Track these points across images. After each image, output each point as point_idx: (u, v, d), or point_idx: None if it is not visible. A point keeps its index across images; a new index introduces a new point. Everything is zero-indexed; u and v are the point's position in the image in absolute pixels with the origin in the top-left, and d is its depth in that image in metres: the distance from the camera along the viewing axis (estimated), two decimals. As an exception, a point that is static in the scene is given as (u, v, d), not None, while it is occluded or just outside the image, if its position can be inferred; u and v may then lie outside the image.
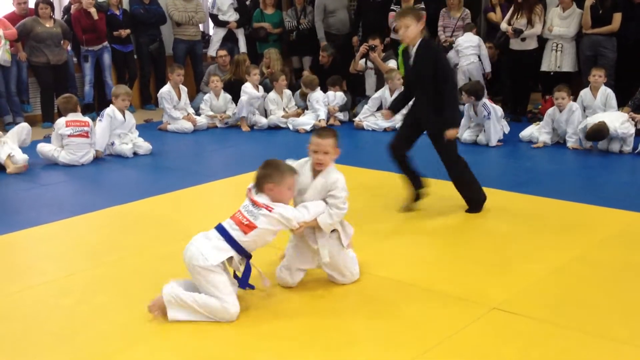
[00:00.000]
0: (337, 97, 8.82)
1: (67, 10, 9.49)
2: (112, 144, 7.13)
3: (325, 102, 8.60)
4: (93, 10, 9.09)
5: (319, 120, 8.29)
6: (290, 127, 8.46)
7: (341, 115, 8.86)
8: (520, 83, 8.67)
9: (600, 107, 7.18)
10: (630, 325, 3.24)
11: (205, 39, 10.73)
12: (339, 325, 3.31)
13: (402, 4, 9.26)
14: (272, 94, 8.73)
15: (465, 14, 9.19)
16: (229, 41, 10.19)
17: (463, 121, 7.54)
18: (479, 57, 8.94)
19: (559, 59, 8.35)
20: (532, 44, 8.43)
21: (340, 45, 9.74)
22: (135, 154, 7.16)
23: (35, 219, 5.04)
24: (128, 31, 9.60)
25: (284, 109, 8.73)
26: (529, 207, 5.16)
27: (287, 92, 8.83)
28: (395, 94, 8.41)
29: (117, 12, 9.59)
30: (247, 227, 3.35)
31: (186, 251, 3.38)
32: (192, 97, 9.35)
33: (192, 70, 10.28)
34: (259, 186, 3.46)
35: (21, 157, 6.51)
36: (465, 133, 7.51)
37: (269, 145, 7.79)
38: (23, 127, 6.93)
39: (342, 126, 8.67)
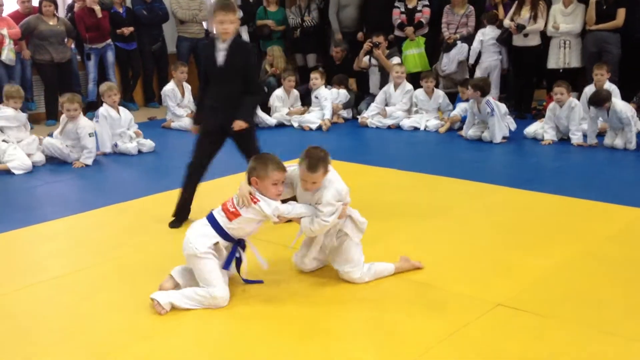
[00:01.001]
0: (340, 94, 8.81)
1: (70, 8, 9.49)
2: (116, 145, 7.13)
3: (332, 99, 8.59)
4: (97, 9, 9.10)
5: (324, 120, 8.27)
6: (295, 124, 8.46)
7: (345, 113, 8.85)
8: (524, 79, 8.64)
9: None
10: (636, 320, 3.23)
11: (209, 36, 10.72)
12: (342, 321, 3.31)
13: (406, 1, 9.26)
14: (279, 91, 8.73)
15: (470, 11, 9.15)
16: (233, 39, 10.16)
17: (467, 117, 7.53)
18: (500, 52, 8.84)
19: (567, 56, 8.31)
20: (535, 40, 8.40)
21: (350, 41, 9.73)
22: (139, 151, 7.16)
23: (40, 216, 5.05)
24: (131, 29, 9.61)
25: (289, 107, 8.72)
26: (533, 203, 5.15)
27: (295, 91, 8.82)
28: (400, 89, 8.42)
29: (120, 10, 9.60)
30: (232, 215, 3.47)
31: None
32: (195, 95, 9.34)
33: (196, 68, 10.28)
34: (248, 178, 3.54)
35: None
36: (470, 130, 7.49)
37: (273, 143, 7.77)
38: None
39: (346, 123, 8.67)
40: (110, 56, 9.49)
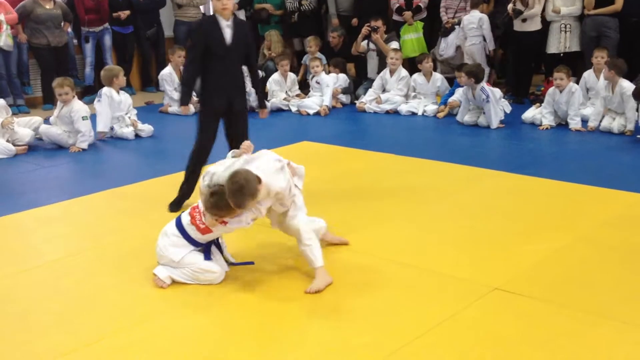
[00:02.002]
0: (339, 79, 8.78)
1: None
2: (112, 128, 7.11)
3: (334, 85, 8.56)
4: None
5: (323, 108, 8.24)
6: (293, 109, 8.43)
7: (344, 98, 8.83)
8: (522, 64, 8.61)
9: (603, 89, 7.13)
10: (633, 305, 3.24)
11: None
12: (339, 306, 3.31)
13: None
14: (276, 76, 8.69)
15: (468, -5, 9.10)
16: (231, 23, 10.10)
17: (463, 103, 7.52)
18: (483, 37, 8.81)
19: (568, 40, 8.27)
20: (534, 26, 8.35)
21: (347, 25, 9.67)
22: (137, 136, 7.14)
23: (36, 200, 5.04)
24: (127, 12, 9.55)
25: (286, 92, 8.70)
26: (531, 188, 5.14)
27: (292, 75, 8.78)
28: (396, 76, 8.39)
29: (118, -7, 9.53)
30: (204, 230, 3.49)
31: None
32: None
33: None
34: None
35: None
36: (465, 115, 7.48)
37: (270, 127, 7.77)
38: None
39: (344, 108, 8.65)
40: (108, 40, 9.44)
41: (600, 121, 7.02)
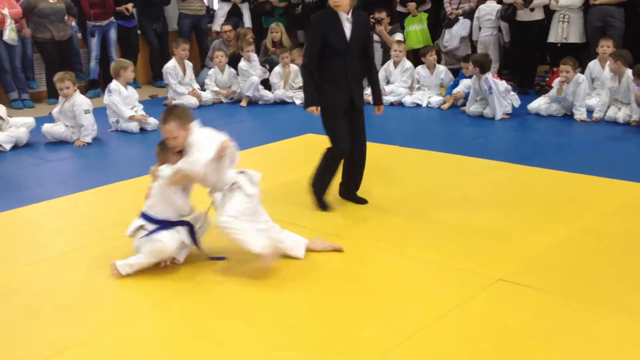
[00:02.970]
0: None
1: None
2: (117, 122, 7.12)
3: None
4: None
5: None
6: (297, 101, 8.43)
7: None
8: (527, 55, 8.58)
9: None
10: (637, 295, 3.24)
11: (210, 13, 10.66)
12: (345, 297, 3.32)
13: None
14: (278, 68, 8.68)
15: (472, -15, 9.07)
16: (234, 16, 10.11)
17: (471, 94, 7.50)
18: (499, 28, 8.78)
19: (565, 30, 8.24)
20: (538, 15, 8.33)
21: None
22: (142, 129, 7.15)
23: (42, 194, 5.06)
24: (131, 5, 9.53)
25: (289, 84, 8.68)
26: (535, 179, 5.13)
27: (294, 66, 8.77)
28: (400, 67, 8.37)
29: (122, -12, 9.52)
30: (148, 194, 3.71)
31: None
32: (197, 73, 9.31)
33: (197, 46, 10.23)
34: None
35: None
36: (472, 106, 7.46)
37: (274, 120, 7.77)
38: None
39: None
40: (113, 34, 9.44)
41: (606, 111, 6.99)
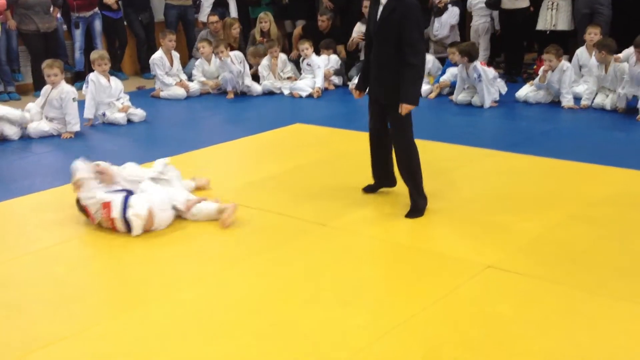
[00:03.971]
0: (331, 60, 8.73)
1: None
2: (104, 114, 7.07)
3: (325, 66, 8.50)
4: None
5: (316, 90, 8.18)
6: (286, 91, 8.39)
7: (336, 80, 8.78)
8: (513, 43, 8.58)
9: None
10: (627, 281, 3.25)
11: (197, 3, 10.57)
12: (335, 285, 3.31)
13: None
14: (266, 60, 8.62)
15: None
16: (220, 6, 10.04)
17: (458, 82, 7.49)
18: (491, 15, 8.79)
19: (554, 18, 8.24)
20: (523, 3, 8.32)
21: (341, 7, 9.57)
22: (129, 121, 7.11)
23: (29, 187, 5.02)
24: (115, -1, 9.46)
25: (278, 74, 8.64)
26: (524, 166, 5.14)
27: (282, 56, 8.73)
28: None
29: (107, -23, 9.43)
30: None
31: None
32: (184, 64, 9.26)
33: (184, 36, 10.16)
34: None
35: None
36: (459, 95, 7.46)
37: (262, 110, 7.74)
38: None
39: (336, 90, 8.60)
40: (98, 25, 9.35)
41: (593, 99, 7.01)
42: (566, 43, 7.92)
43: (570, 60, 7.51)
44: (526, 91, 7.41)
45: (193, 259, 3.67)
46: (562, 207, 4.25)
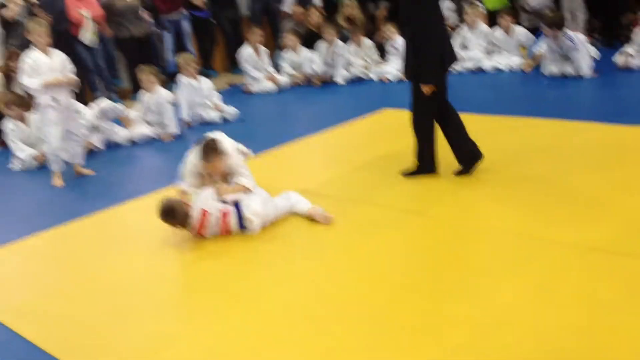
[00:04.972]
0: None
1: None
2: (200, 115, 7.25)
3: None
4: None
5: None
6: (374, 77, 8.36)
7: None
8: (608, 2, 8.16)
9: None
10: None
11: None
12: (433, 273, 3.30)
13: None
14: (354, 47, 8.62)
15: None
16: (304, -6, 10.06)
17: (547, 54, 7.25)
18: None
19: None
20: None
21: None
22: (224, 119, 7.26)
23: (135, 191, 5.19)
24: (203, -4, 9.65)
25: (364, 59, 8.61)
26: (629, 138, 4.90)
27: (367, 41, 8.69)
28: (475, 31, 8.13)
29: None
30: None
31: None
32: (272, 55, 9.37)
33: (270, 29, 10.27)
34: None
35: None
36: (551, 66, 7.21)
37: (352, 98, 7.74)
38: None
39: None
40: (186, 26, 9.58)
41: None
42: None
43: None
44: (626, 57, 7.04)
45: (295, 256, 3.74)
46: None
